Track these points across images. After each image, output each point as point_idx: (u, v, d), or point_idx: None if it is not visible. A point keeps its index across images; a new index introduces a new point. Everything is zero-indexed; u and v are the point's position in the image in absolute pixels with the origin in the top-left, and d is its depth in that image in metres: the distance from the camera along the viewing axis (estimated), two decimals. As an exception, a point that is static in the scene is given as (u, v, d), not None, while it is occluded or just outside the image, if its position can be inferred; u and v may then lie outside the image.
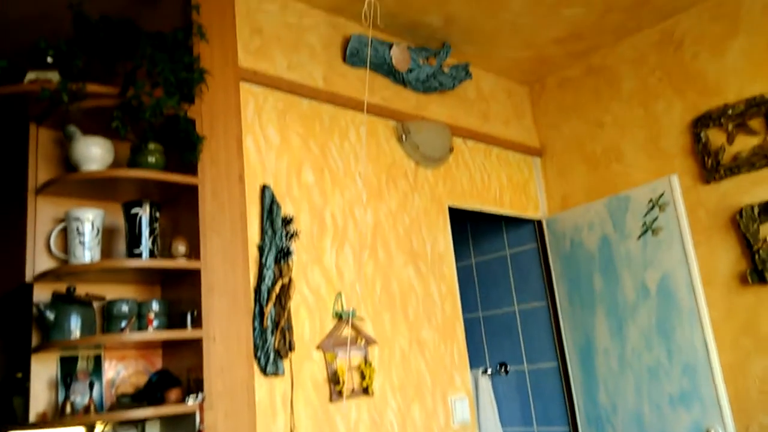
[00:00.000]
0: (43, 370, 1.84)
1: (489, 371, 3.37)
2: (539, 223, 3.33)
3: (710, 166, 2.80)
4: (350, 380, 2.27)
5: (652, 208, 2.84)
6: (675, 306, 2.70)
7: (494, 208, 3.15)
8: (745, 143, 2.74)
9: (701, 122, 2.86)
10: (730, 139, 2.78)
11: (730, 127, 2.78)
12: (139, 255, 1.90)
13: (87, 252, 1.87)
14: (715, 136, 2.82)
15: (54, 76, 1.83)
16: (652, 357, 2.75)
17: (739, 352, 2.62)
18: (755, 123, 2.72)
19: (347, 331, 2.34)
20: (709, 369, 2.56)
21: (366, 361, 2.34)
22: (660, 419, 2.69)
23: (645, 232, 2.85)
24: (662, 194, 2.82)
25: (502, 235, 3.49)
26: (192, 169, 2.04)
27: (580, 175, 3.29)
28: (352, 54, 2.63)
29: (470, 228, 3.66)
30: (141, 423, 1.92)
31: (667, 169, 2.93)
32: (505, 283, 3.44)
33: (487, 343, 3.47)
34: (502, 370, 3.37)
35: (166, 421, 1.92)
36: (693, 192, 2.84)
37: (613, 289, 2.93)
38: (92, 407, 1.77)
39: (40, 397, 1.82)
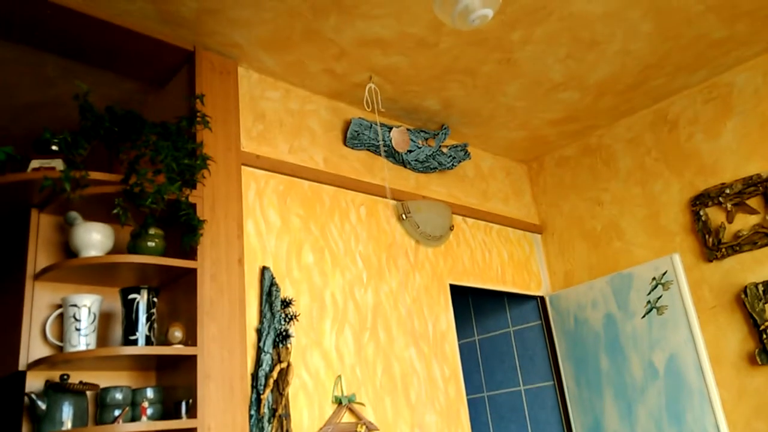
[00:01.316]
0: (32, 464, 1.78)
1: (495, 456, 3.25)
2: (542, 299, 3.30)
3: (712, 245, 2.80)
4: (350, 470, 2.19)
5: (656, 286, 2.82)
6: (684, 387, 2.63)
7: (496, 285, 3.13)
8: (745, 221, 2.75)
9: (700, 201, 2.87)
10: (730, 218, 2.79)
11: (729, 206, 2.79)
12: (135, 341, 1.87)
13: (83, 338, 1.84)
14: (715, 215, 2.83)
15: (58, 164, 1.87)
16: (663, 442, 2.66)
17: (753, 437, 2.53)
18: (754, 201, 2.74)
19: (347, 417, 2.27)
20: (724, 456, 2.46)
21: (366, 449, 2.26)
22: None
23: (650, 311, 2.81)
24: (665, 273, 2.80)
25: (505, 311, 3.45)
26: (192, 252, 2.04)
27: (581, 252, 3.28)
28: (352, 137, 2.69)
29: (473, 304, 3.62)
30: None
31: (668, 247, 2.93)
32: (510, 360, 3.37)
33: (493, 425, 3.36)
34: (509, 455, 3.25)
35: None
36: (696, 270, 2.82)
37: (620, 368, 2.86)
38: (80, 504, 1.70)
39: (26, 493, 1.75)
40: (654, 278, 2.83)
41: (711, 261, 2.79)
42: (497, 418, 3.36)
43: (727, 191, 2.79)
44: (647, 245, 3.02)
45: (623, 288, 2.93)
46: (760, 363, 2.55)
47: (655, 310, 2.79)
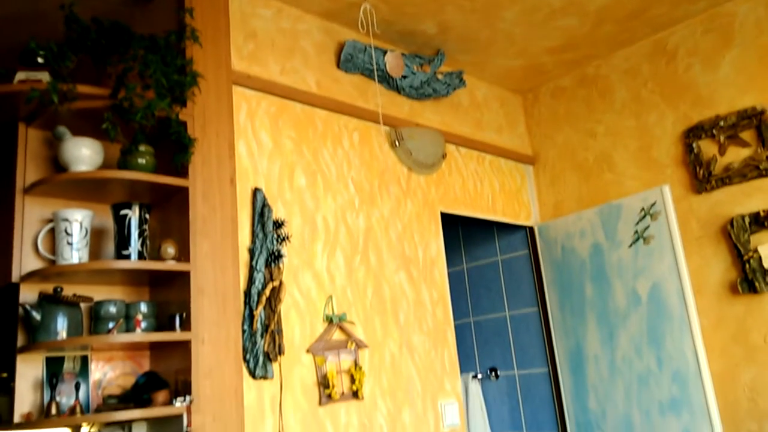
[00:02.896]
0: (29, 371, 1.83)
1: (479, 376, 3.36)
2: (531, 230, 3.34)
3: (702, 177, 2.82)
4: (340, 384, 2.26)
5: (644, 217, 2.85)
6: (665, 314, 2.70)
7: (486, 215, 3.15)
8: (736, 154, 2.76)
9: (693, 133, 2.87)
10: (722, 150, 2.80)
11: (722, 138, 2.80)
12: (128, 256, 1.89)
13: (75, 253, 1.86)
14: (707, 147, 2.84)
15: (44, 77, 1.83)
16: (642, 364, 2.75)
17: (728, 360, 2.62)
18: (747, 135, 2.74)
19: (338, 335, 2.33)
20: (699, 377, 2.56)
21: (356, 365, 2.33)
22: (649, 426, 2.69)
23: (636, 240, 2.86)
24: (654, 203, 2.83)
25: (494, 241, 3.50)
26: (183, 171, 2.03)
27: (572, 184, 3.30)
28: (346, 60, 2.64)
29: (462, 234, 3.67)
30: (128, 425, 1.91)
31: (659, 179, 2.95)
32: (497, 288, 3.44)
33: (477, 348, 3.47)
34: (493, 375, 3.37)
35: (153, 423, 1.90)
36: (685, 202, 2.85)
37: (604, 296, 2.93)
38: (78, 408, 1.76)
39: (25, 397, 1.80)
40: (643, 209, 2.86)
41: (700, 193, 2.82)
42: (482, 342, 3.46)
43: (721, 123, 2.79)
44: (638, 177, 3.04)
45: (611, 218, 2.96)
46: (741, 292, 2.62)
47: (641, 240, 2.84)
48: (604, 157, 3.18)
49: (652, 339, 2.73)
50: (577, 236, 3.08)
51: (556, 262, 3.16)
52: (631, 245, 2.87)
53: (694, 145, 2.86)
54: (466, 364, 3.39)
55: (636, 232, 2.86)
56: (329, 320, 2.32)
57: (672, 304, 2.69)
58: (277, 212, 2.29)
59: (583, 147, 3.28)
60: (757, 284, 2.58)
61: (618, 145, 3.14)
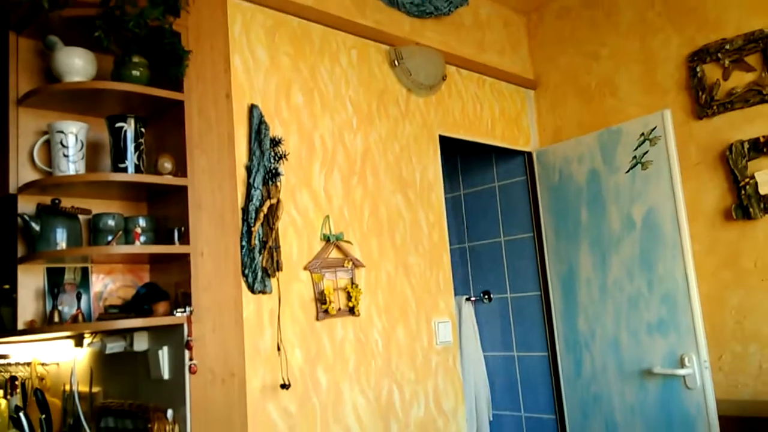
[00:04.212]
0: (30, 281, 1.86)
1: (473, 299, 3.44)
2: (529, 155, 3.33)
3: (704, 102, 2.78)
4: (337, 300, 2.31)
5: (643, 142, 2.83)
6: (659, 239, 2.74)
7: (485, 139, 3.13)
8: (740, 79, 2.71)
9: (698, 57, 2.82)
10: (726, 75, 2.76)
11: (727, 62, 2.75)
12: (125, 169, 1.88)
13: (71, 165, 1.85)
14: (711, 72, 2.79)
15: (33, -19, 1.76)
16: (632, 287, 2.81)
17: (718, 284, 2.68)
18: (752, 59, 2.69)
19: (335, 253, 2.36)
20: (688, 299, 2.62)
21: (352, 283, 2.37)
22: (636, 345, 2.78)
23: (634, 165, 2.85)
24: (654, 128, 2.81)
25: (492, 167, 3.49)
26: (178, 85, 1.99)
27: (573, 109, 3.26)
28: (344, -28, 2.55)
29: (460, 160, 3.65)
30: (129, 335, 1.96)
31: (660, 104, 2.91)
32: (493, 214, 3.46)
33: (472, 272, 3.53)
34: (486, 297, 3.44)
35: (154, 333, 1.95)
36: (685, 127, 2.83)
37: (599, 221, 2.95)
38: (80, 317, 1.80)
39: (27, 306, 1.84)
40: (642, 134, 2.84)
41: (701, 118, 2.79)
42: (477, 266, 3.51)
43: (727, 47, 2.73)
44: (640, 102, 3.00)
45: (611, 143, 2.94)
46: (735, 218, 2.64)
47: (639, 165, 2.83)
48: (607, 82, 3.13)
49: (644, 263, 2.78)
50: (575, 162, 3.08)
51: (553, 188, 3.17)
52: (628, 171, 2.87)
53: (698, 69, 2.81)
54: (460, 288, 3.46)
55: (634, 157, 2.85)
56: (326, 239, 2.35)
57: (666, 230, 2.72)
58: (274, 130, 2.26)
59: (585, 70, 3.22)
60: (751, 210, 2.60)
61: (621, 68, 3.08)
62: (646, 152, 2.81)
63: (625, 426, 2.79)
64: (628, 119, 2.97)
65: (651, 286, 2.74)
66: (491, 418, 3.35)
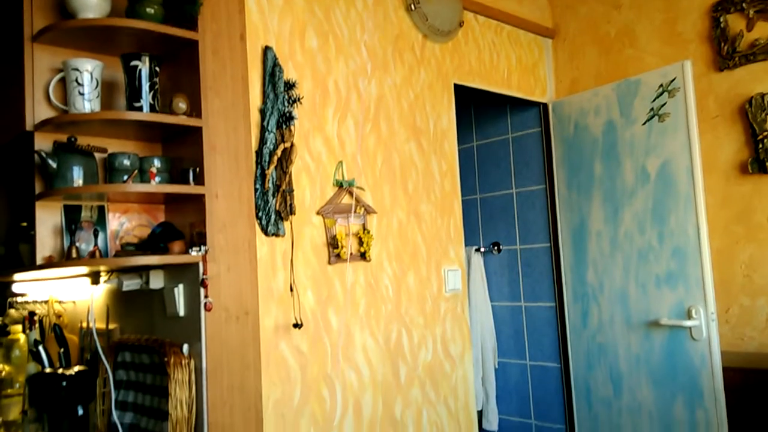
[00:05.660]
0: (48, 218, 1.88)
1: (482, 249, 3.46)
2: (545, 107, 3.29)
3: (726, 53, 2.73)
4: (348, 245, 2.33)
5: (662, 93, 2.79)
6: (672, 192, 2.72)
7: (501, 89, 3.09)
8: (764, 30, 2.65)
9: (722, 6, 2.74)
10: (750, 26, 2.69)
11: (752, 12, 2.68)
12: (140, 108, 1.88)
13: (87, 103, 1.85)
14: (735, 22, 2.72)
15: None
16: (643, 240, 2.81)
17: (729, 238, 2.68)
18: (778, 8, 2.62)
19: (347, 199, 2.37)
20: (699, 252, 2.62)
21: (364, 228, 2.39)
22: (644, 297, 2.80)
23: (651, 117, 2.82)
24: (673, 80, 2.76)
25: (506, 118, 3.46)
26: (192, 25, 1.97)
27: (591, 59, 3.20)
28: None
29: (474, 111, 3.62)
30: (145, 273, 1.99)
31: (681, 55, 2.85)
32: (506, 166, 3.45)
33: (482, 224, 3.54)
34: (495, 249, 3.46)
35: (169, 271, 1.99)
36: (705, 79, 2.78)
37: (613, 174, 2.94)
38: (97, 253, 1.83)
39: (45, 242, 1.87)
40: (661, 85, 2.79)
41: (722, 70, 2.74)
42: (487, 218, 3.52)
43: (754, -4, 2.66)
44: (659, 53, 2.94)
45: (628, 95, 2.90)
46: (750, 171, 2.62)
47: (657, 117, 2.80)
48: (627, 31, 3.06)
49: (656, 216, 2.77)
50: (591, 113, 3.04)
51: (567, 140, 3.14)
52: (645, 123, 2.83)
53: (722, 19, 2.74)
54: (470, 239, 3.48)
55: (652, 109, 2.81)
56: (339, 185, 2.35)
57: (680, 183, 2.70)
58: (288, 73, 2.24)
59: (606, 19, 3.15)
60: None
61: (642, 17, 3.01)
62: (664, 104, 2.77)
63: (629, 375, 2.84)
64: (646, 70, 2.91)
65: (662, 239, 2.75)
66: (497, 366, 3.42)
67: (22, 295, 2.93)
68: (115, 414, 1.95)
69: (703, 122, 2.75)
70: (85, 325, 2.46)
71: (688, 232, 2.66)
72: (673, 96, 2.75)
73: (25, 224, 2.07)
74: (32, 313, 2.56)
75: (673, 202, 2.72)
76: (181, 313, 1.94)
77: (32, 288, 2.82)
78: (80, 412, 1.83)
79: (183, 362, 1.84)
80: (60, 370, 1.88)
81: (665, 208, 2.74)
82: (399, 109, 2.61)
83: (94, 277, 2.24)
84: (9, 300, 2.93)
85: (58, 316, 2.66)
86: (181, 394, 1.80)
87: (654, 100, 2.81)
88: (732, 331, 2.65)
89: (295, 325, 2.08)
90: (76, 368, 1.90)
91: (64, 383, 1.83)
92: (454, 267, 2.73)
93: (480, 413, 3.33)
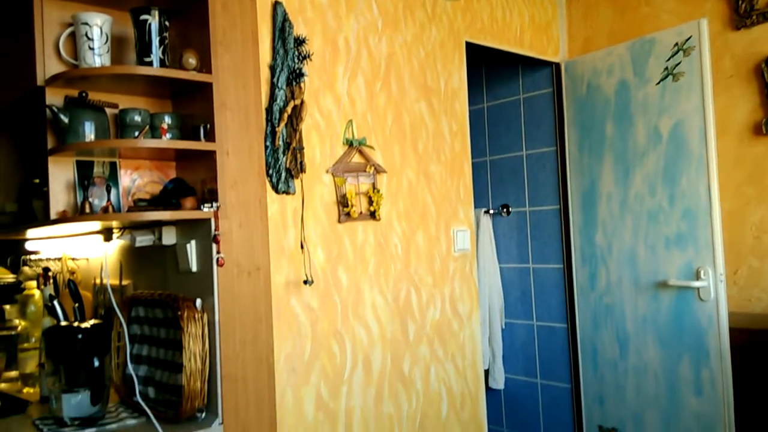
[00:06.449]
0: (61, 174, 1.90)
1: (491, 212, 3.46)
2: (557, 67, 3.24)
3: (743, 11, 2.67)
4: (358, 204, 2.34)
5: (677, 52, 2.74)
6: (684, 153, 2.70)
7: (513, 48, 3.04)
8: (785, -13, 2.59)
9: (742, -38, 2.68)
10: (770, -18, 2.63)
11: (773, -32, 2.61)
12: (150, 63, 1.87)
13: (97, 58, 1.84)
14: (754, -21, 2.66)
15: None
16: (654, 202, 2.80)
17: (740, 199, 2.66)
18: (800, -36, 2.55)
19: (357, 158, 2.37)
20: (709, 214, 2.61)
21: (374, 188, 2.39)
22: (653, 259, 2.81)
23: (665, 77, 2.78)
24: (689, 38, 2.71)
25: (518, 79, 3.42)
26: (201, -22, 1.95)
27: (605, 18, 3.14)
28: None
29: (485, 71, 3.58)
30: (158, 229, 2.01)
31: (697, 14, 2.79)
32: (516, 127, 3.42)
33: (492, 186, 3.54)
34: (504, 211, 3.46)
35: (181, 227, 2.01)
36: (721, 37, 2.73)
37: (625, 135, 2.91)
38: (110, 209, 1.84)
39: (59, 198, 1.89)
40: (676, 44, 2.74)
41: (739, 29, 2.68)
42: (497, 179, 3.51)
43: (775, -49, 2.58)
44: (675, 11, 2.88)
45: (643, 54, 2.85)
46: (764, 132, 2.59)
47: (671, 77, 2.76)
48: (643, -11, 3.00)
49: (668, 177, 2.76)
50: (604, 73, 3.00)
51: (579, 101, 3.11)
52: (659, 83, 2.79)
53: (742, -24, 2.67)
54: (479, 201, 3.48)
55: (666, 68, 2.77)
56: (349, 144, 2.35)
57: (692, 143, 2.68)
58: (298, 29, 2.22)
59: (621, -23, 3.08)
60: (782, 126, 2.54)
61: (659, -26, 2.94)
62: (679, 63, 2.73)
63: (635, 335, 2.87)
64: (662, 29, 2.86)
65: (672, 201, 2.74)
66: (504, 326, 3.45)
67: (35, 252, 2.97)
68: (130, 366, 1.99)
69: (717, 82, 2.71)
70: (98, 281, 2.49)
71: (699, 193, 2.65)
72: (688, 55, 2.71)
73: (38, 181, 2.08)
74: (46, 269, 2.60)
75: (685, 163, 2.70)
76: (194, 268, 1.96)
77: (45, 246, 2.86)
78: (96, 363, 1.87)
79: (196, 316, 1.86)
80: (75, 324, 1.91)
81: (677, 169, 2.72)
82: (410, 68, 2.58)
83: (107, 234, 2.26)
84: (23, 258, 2.97)
85: (72, 272, 2.70)
86: (195, 346, 1.83)
87: (668, 60, 2.76)
88: (740, 293, 2.66)
89: (306, 282, 2.10)
90: (92, 321, 1.93)
91: (80, 336, 1.87)
92: (463, 227, 2.74)
93: (486, 372, 3.38)
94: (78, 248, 2.65)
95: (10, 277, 3.00)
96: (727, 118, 2.70)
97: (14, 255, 3.07)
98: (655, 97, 2.80)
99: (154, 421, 1.79)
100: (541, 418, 3.30)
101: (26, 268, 2.90)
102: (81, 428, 1.81)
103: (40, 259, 2.89)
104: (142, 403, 1.88)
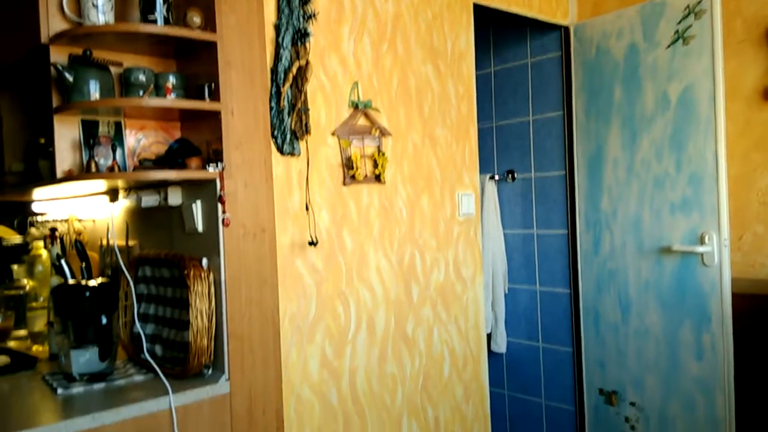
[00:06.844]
0: (66, 132, 1.90)
1: (496, 177, 3.46)
2: (566, 30, 3.19)
3: (758, -27, 2.61)
4: (363, 167, 2.34)
5: (688, 15, 2.69)
6: (693, 118, 2.68)
7: (521, 10, 2.99)
8: (801, -53, 2.53)
9: None
10: (786, -57, 2.56)
11: (789, -72, 2.55)
12: (154, 21, 1.85)
13: (101, 15, 1.82)
14: (770, -61, 2.60)
15: None
16: (660, 167, 2.79)
17: (748, 165, 2.65)
18: (818, -77, 2.48)
19: (363, 121, 2.36)
20: (716, 179, 2.60)
21: (379, 151, 2.39)
22: (658, 224, 2.81)
23: (676, 40, 2.73)
24: (700, 1, 2.66)
25: (526, 43, 3.37)
26: (204, -66, 1.92)
27: (615, -20, 3.09)
28: None
29: (493, 35, 3.53)
30: (164, 189, 2.02)
31: (710, -25, 2.73)
32: (523, 92, 3.39)
33: (497, 152, 3.52)
34: (509, 177, 3.45)
35: (187, 188, 2.01)
36: (733, 0, 2.68)
37: (633, 99, 2.88)
38: (116, 168, 1.84)
39: (65, 157, 1.89)
40: (687, 6, 2.69)
41: (752, -9, 2.64)
42: (503, 145, 3.50)
43: None
44: (688, -27, 2.82)
45: (653, 16, 2.81)
46: (774, 98, 2.57)
47: (681, 41, 2.72)
48: (655, -51, 2.93)
49: (675, 143, 2.74)
50: (614, 36, 2.95)
51: (588, 65, 3.07)
52: (669, 46, 2.75)
53: (757, -64, 2.61)
54: (485, 167, 3.46)
55: (677, 32, 2.73)
56: (354, 106, 2.33)
57: (701, 108, 2.65)
58: (304, -12, 2.18)
59: (633, -63, 3.01)
60: (793, 91, 2.51)
61: (672, -66, 2.87)
62: (690, 26, 2.68)
63: (638, 300, 2.89)
64: (673, -9, 2.81)
65: (679, 166, 2.72)
66: (507, 291, 3.48)
67: (42, 214, 2.99)
68: (138, 324, 2.02)
69: (728, 46, 2.67)
70: (105, 242, 2.51)
71: (707, 159, 2.63)
72: (699, 18, 2.66)
73: (43, 140, 2.08)
74: (53, 229, 2.62)
75: (693, 128, 2.67)
76: (200, 228, 1.98)
77: (52, 207, 2.87)
78: (104, 321, 1.89)
79: (202, 275, 1.88)
80: (83, 282, 1.94)
81: (684, 134, 2.70)
82: (416, 29, 2.55)
83: (113, 195, 2.27)
84: (29, 219, 2.99)
85: (78, 233, 2.72)
86: (201, 305, 1.86)
87: (679, 23, 2.72)
88: (744, 258, 2.66)
89: (311, 243, 2.12)
90: (99, 279, 1.95)
91: (87, 294, 1.89)
92: (468, 192, 2.74)
93: (489, 337, 3.42)
94: (84, 210, 2.66)
95: (17, 238, 3.02)
96: (737, 82, 2.67)
97: (21, 217, 3.09)
98: (665, 60, 2.76)
99: (162, 376, 1.83)
100: (543, 380, 3.35)
101: (33, 230, 2.92)
102: (90, 383, 1.85)
103: (47, 221, 2.91)
104: (150, 359, 1.91)
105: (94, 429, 1.62)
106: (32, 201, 2.96)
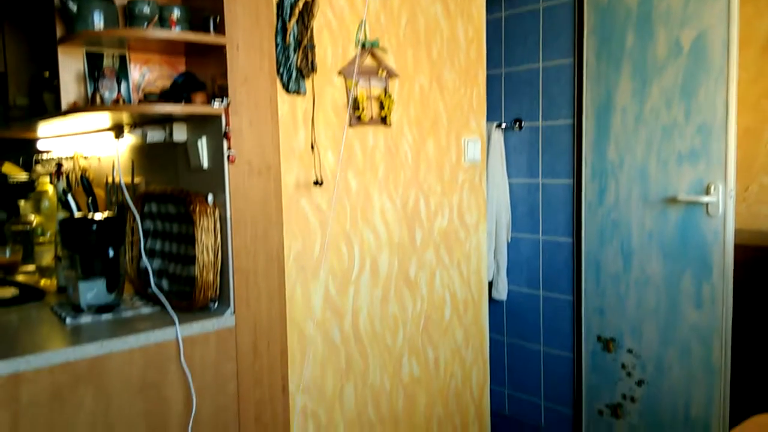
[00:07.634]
0: (71, 64, 1.88)
1: (503, 125, 3.43)
2: (579, -26, 3.11)
3: None
4: (369, 108, 2.32)
5: (706, -42, 2.62)
6: (705, 65, 2.63)
7: (534, -49, 2.92)
8: None
9: None
10: None
11: None
12: (158, -50, 1.81)
13: (104, -57, 1.78)
14: None
15: None
16: (669, 116, 2.76)
17: (758, 115, 2.62)
18: None
19: (369, 61, 2.32)
20: (725, 129, 2.58)
21: (386, 92, 2.36)
22: (664, 174, 2.79)
23: (691, -15, 2.67)
24: (720, -57, 2.58)
25: (537, -13, 3.29)
26: None
27: None
28: None
29: (504, -22, 3.44)
30: (169, 125, 2.01)
31: None
32: (534, 39, 3.33)
33: (505, 99, 3.48)
34: (516, 125, 3.42)
35: (192, 124, 2.00)
36: (754, -57, 2.60)
37: (645, 46, 2.83)
38: (121, 101, 1.83)
39: (69, 89, 1.88)
40: (707, -51, 2.61)
41: (775, -66, 2.55)
42: (511, 93, 3.45)
43: None
44: None
45: (670, -40, 2.73)
46: (789, 46, 2.52)
47: (697, -15, 2.65)
48: None
49: (685, 91, 2.70)
50: (628, -20, 2.88)
51: (600, 10, 3.00)
52: (684, -9, 2.69)
53: None
54: (492, 114, 3.43)
55: (693, -25, 2.66)
56: (362, 45, 2.29)
57: (714, 56, 2.60)
58: None
59: None
60: (809, 39, 2.46)
61: None
62: (708, -30, 2.61)
63: (640, 250, 2.90)
64: (693, -66, 2.72)
65: (688, 115, 2.69)
66: (509, 240, 3.49)
67: (47, 152, 2.99)
68: (145, 258, 2.04)
69: (746, -8, 2.60)
70: (110, 179, 2.52)
71: (717, 107, 2.60)
72: (718, -39, 2.58)
73: (48, 74, 2.07)
74: (59, 165, 2.63)
75: (704, 76, 2.63)
76: (205, 165, 1.98)
77: (57, 144, 2.87)
78: (111, 254, 1.92)
79: (208, 210, 1.89)
80: (90, 215, 1.95)
81: (695, 82, 2.66)
82: (426, -32, 2.48)
83: (118, 131, 2.26)
84: (35, 157, 3.00)
85: (84, 170, 2.72)
86: (207, 240, 1.87)
87: (697, -34, 2.64)
88: (748, 209, 2.66)
89: (316, 183, 2.12)
90: (106, 213, 1.97)
91: (94, 227, 1.91)
92: (474, 137, 2.72)
93: (490, 284, 3.45)
94: (89, 147, 2.66)
95: (23, 176, 3.04)
96: (752, 30, 2.61)
97: (26, 154, 3.10)
98: (679, 6, 2.70)
99: (169, 308, 1.86)
100: (542, 327, 3.40)
101: (38, 167, 2.93)
102: (98, 314, 1.89)
103: (52, 158, 2.91)
104: (157, 292, 1.94)
105: (102, 356, 1.66)
106: (37, 138, 2.96)
